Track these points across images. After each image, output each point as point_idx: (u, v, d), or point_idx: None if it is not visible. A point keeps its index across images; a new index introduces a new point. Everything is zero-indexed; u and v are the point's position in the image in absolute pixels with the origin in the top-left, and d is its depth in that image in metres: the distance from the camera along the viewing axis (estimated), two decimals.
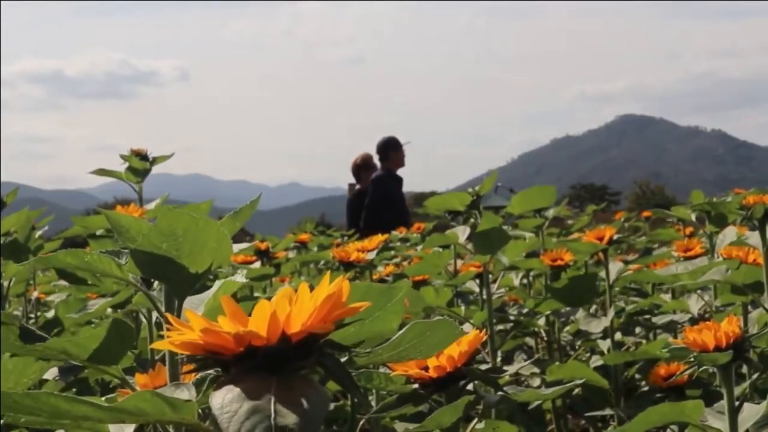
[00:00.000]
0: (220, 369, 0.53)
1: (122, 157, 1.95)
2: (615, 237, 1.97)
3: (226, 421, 0.46)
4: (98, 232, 1.80)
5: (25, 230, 1.98)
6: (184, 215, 0.65)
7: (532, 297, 2.26)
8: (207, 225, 0.66)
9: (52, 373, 1.51)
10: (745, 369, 1.53)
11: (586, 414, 1.94)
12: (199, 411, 0.58)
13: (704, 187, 2.53)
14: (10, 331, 0.75)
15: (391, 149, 6.24)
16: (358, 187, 6.49)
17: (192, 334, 0.51)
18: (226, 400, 0.47)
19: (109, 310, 1.72)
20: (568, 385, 1.18)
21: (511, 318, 2.07)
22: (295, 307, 0.50)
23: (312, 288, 0.52)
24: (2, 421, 0.54)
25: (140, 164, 1.93)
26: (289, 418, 0.45)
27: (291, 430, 0.45)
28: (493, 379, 1.02)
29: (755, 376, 1.19)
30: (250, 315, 0.52)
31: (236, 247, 0.88)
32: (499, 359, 1.89)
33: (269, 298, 0.51)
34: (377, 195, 6.09)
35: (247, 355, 0.50)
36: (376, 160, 6.36)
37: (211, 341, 0.50)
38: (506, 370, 1.39)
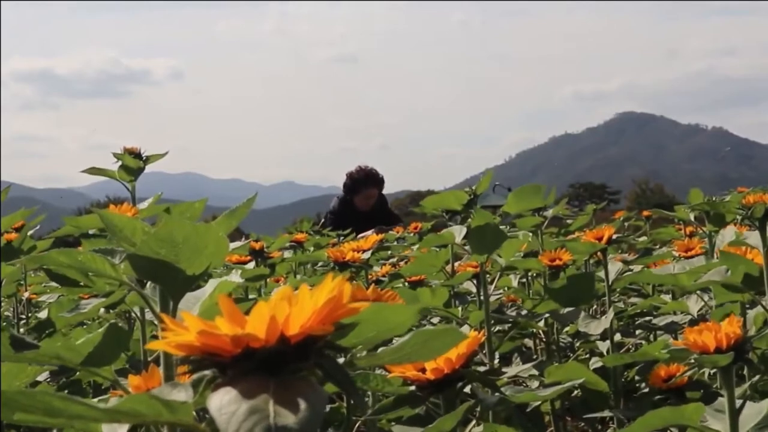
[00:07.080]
0: (216, 370, 0.52)
1: (115, 155, 1.93)
2: (614, 236, 1.95)
3: (224, 422, 0.45)
4: (91, 231, 1.78)
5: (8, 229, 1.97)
6: (185, 224, 0.64)
7: (530, 298, 2.24)
8: (207, 231, 0.65)
9: (44, 375, 1.49)
10: (745, 370, 1.52)
11: (585, 416, 1.93)
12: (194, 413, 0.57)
13: (704, 185, 2.52)
14: (1, 341, 0.74)
15: None
16: None
17: (188, 335, 0.49)
18: (224, 401, 0.47)
19: (102, 310, 1.70)
20: (566, 385, 1.17)
21: (509, 319, 2.05)
22: (294, 309, 0.49)
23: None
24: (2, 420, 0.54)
25: (134, 163, 1.91)
26: (289, 418, 0.45)
27: (290, 429, 0.44)
28: (491, 381, 1.01)
29: (756, 377, 1.18)
30: (245, 315, 0.51)
31: (231, 245, 0.87)
32: (496, 361, 1.87)
33: (264, 299, 0.50)
34: None
35: (245, 357, 0.49)
36: None
37: (208, 343, 0.49)
38: (504, 372, 1.38)
